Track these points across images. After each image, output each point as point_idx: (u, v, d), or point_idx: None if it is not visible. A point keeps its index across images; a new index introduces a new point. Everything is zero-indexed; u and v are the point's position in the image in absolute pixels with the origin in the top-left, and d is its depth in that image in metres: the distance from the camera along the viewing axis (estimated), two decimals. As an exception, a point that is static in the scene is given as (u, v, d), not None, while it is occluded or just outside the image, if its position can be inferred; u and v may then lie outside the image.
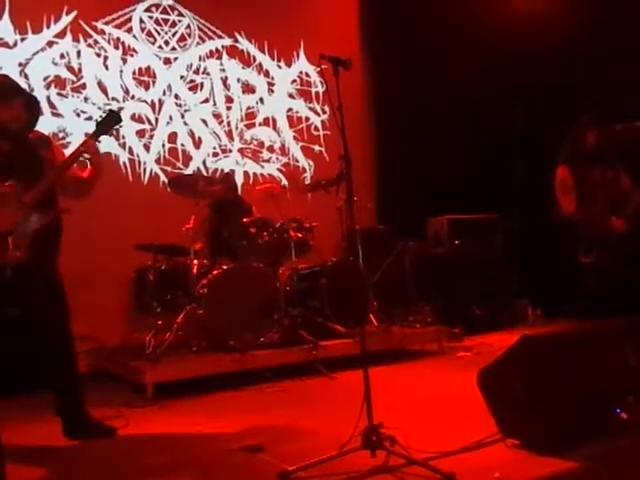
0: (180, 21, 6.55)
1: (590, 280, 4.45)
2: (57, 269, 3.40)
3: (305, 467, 2.55)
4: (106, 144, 5.76)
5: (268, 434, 3.19)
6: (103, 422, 3.48)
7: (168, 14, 6.50)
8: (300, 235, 5.25)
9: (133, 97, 6.24)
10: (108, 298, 5.55)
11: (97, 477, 2.91)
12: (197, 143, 6.53)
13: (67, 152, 3.66)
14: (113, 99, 6.13)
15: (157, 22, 6.44)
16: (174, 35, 6.52)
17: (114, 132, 3.42)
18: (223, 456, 2.97)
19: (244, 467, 2.83)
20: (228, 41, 6.80)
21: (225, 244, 5.22)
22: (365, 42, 7.55)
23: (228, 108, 6.73)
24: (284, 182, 6.82)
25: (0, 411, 3.61)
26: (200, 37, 6.64)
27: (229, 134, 6.72)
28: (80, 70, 6.01)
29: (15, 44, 5.75)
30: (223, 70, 6.75)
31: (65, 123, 5.87)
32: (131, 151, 6.18)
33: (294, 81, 7.13)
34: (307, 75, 7.20)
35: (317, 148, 7.14)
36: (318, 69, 6.82)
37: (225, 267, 4.84)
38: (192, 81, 6.58)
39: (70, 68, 5.97)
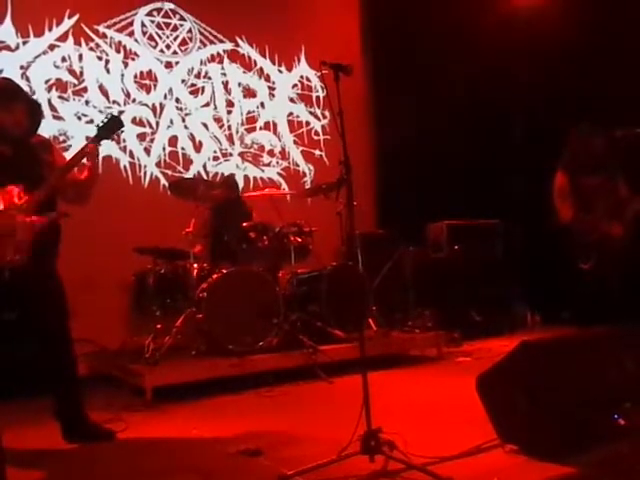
0: (182, 25, 6.57)
1: (588, 286, 4.45)
2: (57, 272, 3.40)
3: (304, 471, 2.56)
4: (107, 147, 5.78)
5: (267, 438, 3.19)
6: (102, 426, 3.48)
7: (170, 18, 6.52)
8: (300, 239, 5.26)
9: (134, 100, 6.26)
10: (108, 301, 5.55)
11: (96, 480, 2.92)
12: (198, 147, 6.54)
13: (67, 155, 3.67)
14: (114, 102, 6.14)
15: (159, 26, 6.46)
16: (175, 39, 6.54)
17: (115, 137, 3.42)
18: (222, 460, 2.97)
19: (243, 471, 2.83)
20: (229, 45, 6.82)
21: (225, 248, 5.23)
22: (366, 47, 7.57)
23: (229, 112, 6.75)
24: (284, 186, 6.84)
25: (0, 414, 3.61)
26: (201, 41, 6.66)
27: (230, 138, 6.73)
28: (81, 73, 6.02)
29: (17, 47, 5.77)
30: (224, 74, 6.77)
31: (66, 126, 5.88)
32: (132, 154, 6.19)
33: (295, 85, 7.15)
34: (308, 80, 7.21)
35: (317, 152, 7.16)
36: (319, 74, 6.85)
37: (225, 271, 4.85)
38: (193, 85, 6.60)
39: (71, 71, 5.98)
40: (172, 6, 6.53)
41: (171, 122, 6.43)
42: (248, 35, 6.88)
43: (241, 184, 6.62)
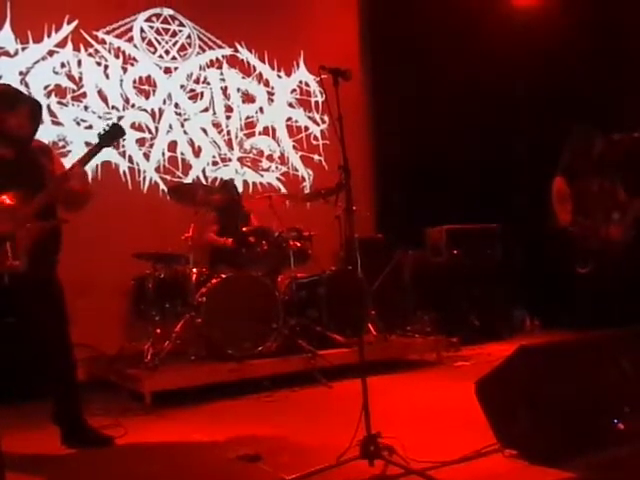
0: (181, 31, 6.59)
1: (586, 291, 4.45)
2: (57, 277, 3.41)
3: (303, 476, 2.56)
4: (106, 153, 5.73)
5: (266, 443, 3.19)
6: (101, 431, 3.47)
7: (169, 24, 6.53)
8: (299, 244, 5.27)
9: (133, 106, 6.27)
10: (107, 306, 5.54)
11: (95, 486, 2.92)
12: (197, 152, 6.55)
13: (65, 161, 3.67)
14: (113, 108, 6.15)
15: (158, 32, 6.47)
16: (174, 45, 6.55)
17: (116, 144, 3.42)
18: (221, 465, 2.96)
19: (242, 476, 2.83)
20: (228, 51, 6.83)
21: (224, 253, 5.23)
22: (365, 52, 7.58)
23: (228, 117, 6.76)
24: (283, 191, 6.84)
25: (-1, 419, 3.61)
26: (200, 47, 6.68)
27: (229, 143, 6.74)
28: (80, 79, 6.03)
29: (16, 53, 5.78)
30: (223, 79, 6.78)
31: (65, 132, 5.89)
32: (131, 160, 6.19)
33: (294, 91, 7.16)
34: (307, 85, 7.23)
35: (316, 157, 7.16)
36: (318, 79, 6.86)
37: (224, 276, 4.85)
38: (192, 90, 6.61)
39: (71, 77, 5.99)
40: (171, 12, 6.55)
41: (170, 127, 6.44)
42: (247, 40, 6.89)
43: (240, 189, 6.62)
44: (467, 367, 5.13)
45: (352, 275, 5.21)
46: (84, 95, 6.03)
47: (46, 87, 5.86)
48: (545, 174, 4.77)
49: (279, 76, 7.08)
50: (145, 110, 6.32)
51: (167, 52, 6.51)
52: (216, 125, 6.69)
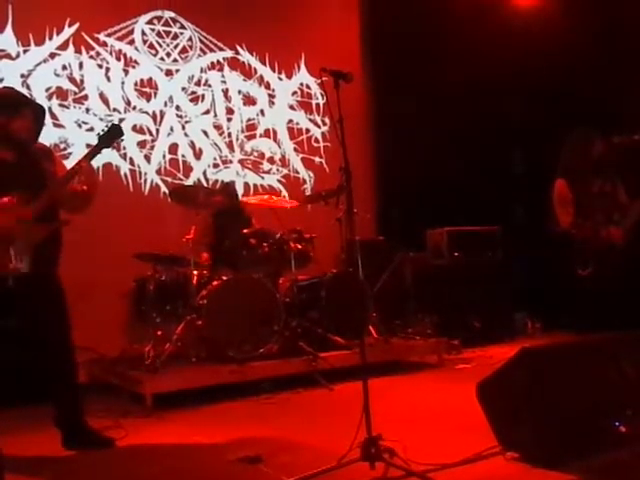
0: (182, 33, 6.59)
1: (587, 293, 4.45)
2: (58, 279, 3.41)
3: (303, 478, 2.56)
4: (107, 155, 5.78)
5: (267, 445, 3.19)
6: (102, 433, 3.48)
7: (170, 26, 6.54)
8: (300, 246, 5.26)
9: (134, 108, 6.27)
10: (108, 308, 5.54)
11: (96, 488, 2.92)
12: (198, 154, 6.55)
13: (67, 163, 3.68)
14: (114, 110, 6.15)
15: (159, 34, 6.48)
16: (176, 47, 6.56)
17: (115, 145, 3.43)
18: (221, 467, 2.96)
19: (242, 478, 2.83)
20: (229, 53, 6.84)
21: (225, 255, 5.23)
22: (366, 54, 7.59)
23: (229, 119, 6.76)
24: (284, 193, 6.85)
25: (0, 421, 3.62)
26: (201, 49, 6.69)
27: (230, 145, 6.75)
28: (82, 81, 6.04)
29: (18, 55, 5.78)
30: (224, 82, 6.79)
31: (67, 134, 5.89)
32: (132, 162, 6.20)
33: (295, 93, 7.17)
34: (308, 87, 7.23)
35: (317, 160, 7.16)
36: (319, 81, 6.86)
37: (225, 278, 4.85)
38: (193, 93, 6.61)
39: (72, 79, 6.00)
40: (172, 14, 6.55)
41: (171, 129, 6.45)
42: (248, 43, 6.90)
43: (241, 191, 6.63)
44: (468, 369, 5.13)
45: (353, 277, 5.21)
46: (85, 97, 6.04)
47: (47, 89, 5.87)
48: (546, 176, 4.77)
49: (280, 78, 7.09)
50: (146, 112, 6.33)
51: (168, 54, 6.52)
52: (217, 127, 6.69)
